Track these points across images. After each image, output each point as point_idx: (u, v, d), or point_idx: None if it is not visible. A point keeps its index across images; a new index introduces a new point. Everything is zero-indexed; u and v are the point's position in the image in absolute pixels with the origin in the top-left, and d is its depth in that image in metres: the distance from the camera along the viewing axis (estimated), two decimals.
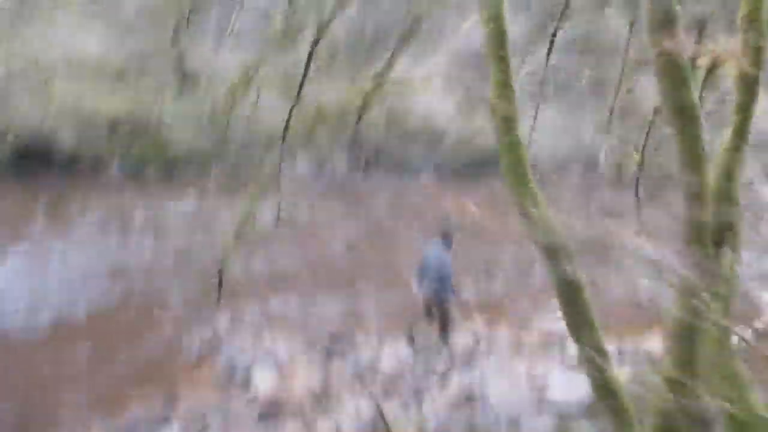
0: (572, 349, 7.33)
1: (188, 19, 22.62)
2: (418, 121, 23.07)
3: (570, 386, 6.17)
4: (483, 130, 23.79)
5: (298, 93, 5.95)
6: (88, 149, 19.77)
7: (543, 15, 25.92)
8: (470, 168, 24.13)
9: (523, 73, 24.23)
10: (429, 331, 7.84)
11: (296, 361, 7.19)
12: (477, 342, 7.75)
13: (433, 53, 24.13)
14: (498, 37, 3.54)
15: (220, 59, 22.66)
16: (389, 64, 23.59)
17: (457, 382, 6.72)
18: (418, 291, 7.73)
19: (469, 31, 24.29)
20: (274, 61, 22.83)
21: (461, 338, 7.82)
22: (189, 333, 7.93)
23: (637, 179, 6.31)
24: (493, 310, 8.94)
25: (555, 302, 8.86)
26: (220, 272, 4.99)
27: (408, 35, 23.62)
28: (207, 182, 20.06)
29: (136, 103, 21.05)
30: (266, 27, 24.23)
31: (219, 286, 5.00)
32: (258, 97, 21.44)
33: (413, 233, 12.27)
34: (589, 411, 5.86)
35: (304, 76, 5.97)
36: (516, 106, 3.58)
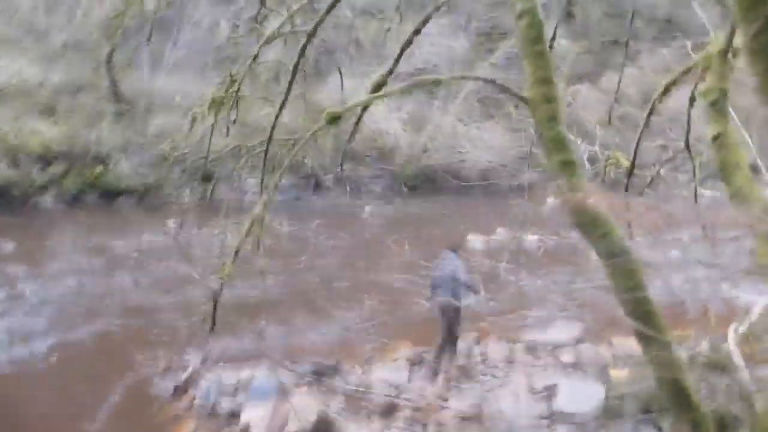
0: (574, 356, 7.25)
1: (117, 47, 21.85)
2: (367, 140, 22.99)
3: (579, 396, 6.01)
4: (431, 147, 24.09)
5: (277, 116, 5.60)
6: (20, 180, 18.72)
7: (483, 33, 26.69)
8: (421, 182, 24.31)
9: (465, 91, 24.72)
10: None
11: (287, 391, 6.75)
12: (478, 355, 7.56)
13: (374, 73, 24.22)
14: (534, 32, 3.38)
15: (158, 85, 22.02)
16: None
17: (461, 397, 6.46)
18: (431, 301, 7.59)
19: (414, 51, 24.63)
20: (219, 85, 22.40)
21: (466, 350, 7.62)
22: (170, 366, 7.41)
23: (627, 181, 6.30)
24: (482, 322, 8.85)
25: (540, 313, 8.90)
26: (215, 299, 4.56)
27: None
28: (165, 210, 19.37)
29: (70, 133, 20.08)
30: (205, 54, 23.81)
31: (213, 313, 4.57)
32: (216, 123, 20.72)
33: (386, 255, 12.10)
34: (602, 419, 5.71)
35: (286, 97, 5.63)
36: (558, 102, 3.40)
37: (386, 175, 24.09)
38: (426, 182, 23.52)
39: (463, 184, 21.10)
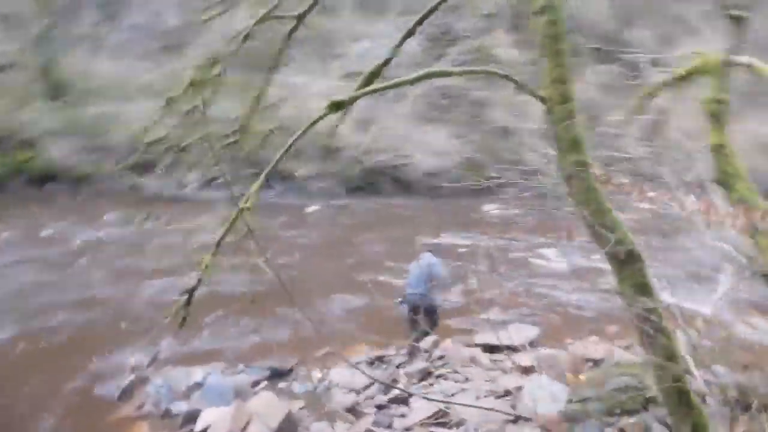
0: (532, 360, 7.29)
1: (53, 24, 20.67)
2: (312, 138, 22.64)
3: (543, 398, 6.02)
4: (376, 148, 23.99)
5: (255, 105, 5.35)
6: None
7: (433, 38, 26.85)
8: (365, 183, 24.15)
9: (414, 94, 24.79)
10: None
11: (245, 392, 6.48)
12: (437, 357, 7.50)
13: (326, 71, 23.94)
14: (555, 29, 3.33)
15: (97, 68, 20.96)
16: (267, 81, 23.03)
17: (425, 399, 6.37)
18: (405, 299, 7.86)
19: (362, 50, 24.51)
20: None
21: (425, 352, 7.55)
22: (115, 367, 6.99)
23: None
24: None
25: (494, 315, 8.92)
26: (191, 292, 4.27)
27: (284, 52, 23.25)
28: (100, 199, 18.42)
29: None
30: (151, 38, 22.87)
31: (186, 308, 4.29)
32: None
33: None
34: (566, 421, 5.75)
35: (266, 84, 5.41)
36: (574, 102, 3.36)
37: (330, 175, 23.83)
38: (370, 183, 23.42)
39: (431, 186, 21.17)
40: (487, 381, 6.96)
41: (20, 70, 19.51)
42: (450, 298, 8.32)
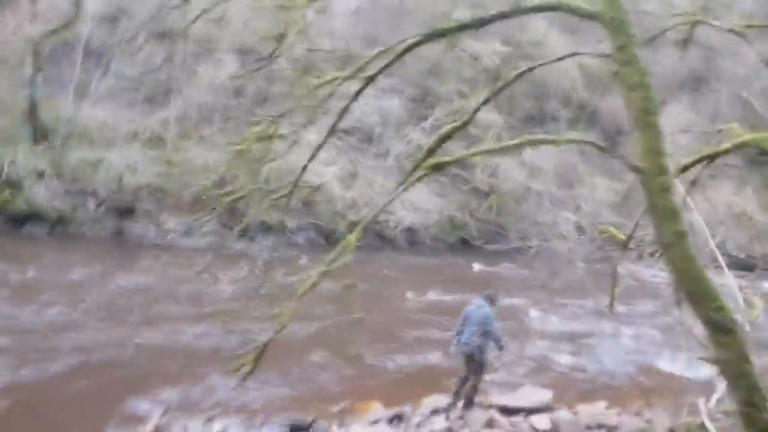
0: (549, 422, 7.33)
1: (40, 69, 20.58)
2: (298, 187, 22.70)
3: None
4: (360, 203, 24.19)
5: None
6: None
7: (414, 99, 27.64)
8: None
9: (398, 150, 25.29)
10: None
11: None
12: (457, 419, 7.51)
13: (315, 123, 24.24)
14: (648, 104, 3.54)
15: (83, 114, 20.86)
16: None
17: None
18: (455, 346, 7.78)
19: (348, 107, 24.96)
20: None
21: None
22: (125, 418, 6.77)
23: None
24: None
25: (505, 376, 8.96)
26: (265, 344, 4.27)
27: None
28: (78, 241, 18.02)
29: None
30: (137, 86, 22.96)
31: (258, 357, 4.27)
32: None
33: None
34: None
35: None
36: (671, 173, 3.55)
37: (312, 228, 23.84)
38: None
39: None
40: None
41: (7, 112, 19.27)
42: (495, 355, 8.29)
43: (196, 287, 13.46)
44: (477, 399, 7.84)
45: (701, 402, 7.67)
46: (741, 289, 6.93)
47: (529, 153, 24.77)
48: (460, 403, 7.81)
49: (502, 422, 7.58)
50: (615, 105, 26.86)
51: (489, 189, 25.98)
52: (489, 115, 26.23)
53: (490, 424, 7.47)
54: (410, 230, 24.25)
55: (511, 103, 27.35)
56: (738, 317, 3.48)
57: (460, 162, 4.17)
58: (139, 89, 22.34)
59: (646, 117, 3.52)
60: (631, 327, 13.78)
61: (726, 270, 6.79)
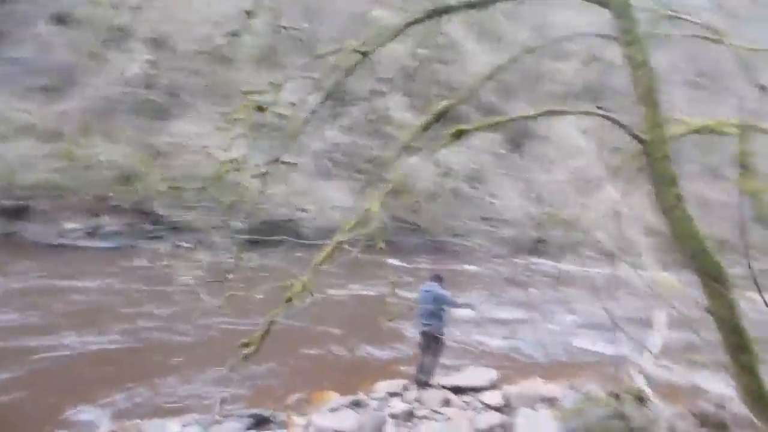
0: (500, 398, 7.61)
1: None
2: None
3: (537, 430, 6.36)
4: (277, 202, 23.83)
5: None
6: None
7: (334, 98, 27.54)
8: (263, 235, 23.65)
9: (312, 149, 25.13)
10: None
11: None
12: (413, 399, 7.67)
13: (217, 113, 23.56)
14: (652, 81, 3.80)
15: None
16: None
17: None
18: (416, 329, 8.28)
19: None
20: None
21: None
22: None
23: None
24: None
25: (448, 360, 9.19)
26: (263, 333, 4.17)
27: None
28: None
29: None
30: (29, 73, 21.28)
31: (264, 336, 4.18)
32: None
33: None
34: None
35: None
36: (669, 144, 3.82)
37: (226, 226, 23.14)
38: (267, 235, 23.08)
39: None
40: (467, 420, 7.17)
41: None
42: (467, 312, 8.75)
43: (107, 288, 12.82)
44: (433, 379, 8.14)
45: (635, 368, 8.28)
46: None
47: (442, 153, 25.36)
48: (414, 386, 8.04)
49: (456, 401, 7.80)
50: (521, 109, 28.20)
51: (405, 188, 26.42)
52: (405, 114, 26.72)
53: (446, 402, 7.67)
54: (326, 229, 24.15)
55: (426, 103, 27.95)
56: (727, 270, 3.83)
57: (483, 129, 4.28)
58: (37, 77, 20.75)
59: (651, 93, 3.80)
60: (553, 313, 14.60)
61: None
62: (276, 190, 23.49)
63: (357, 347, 10.57)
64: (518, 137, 28.08)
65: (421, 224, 24.99)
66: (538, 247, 23.86)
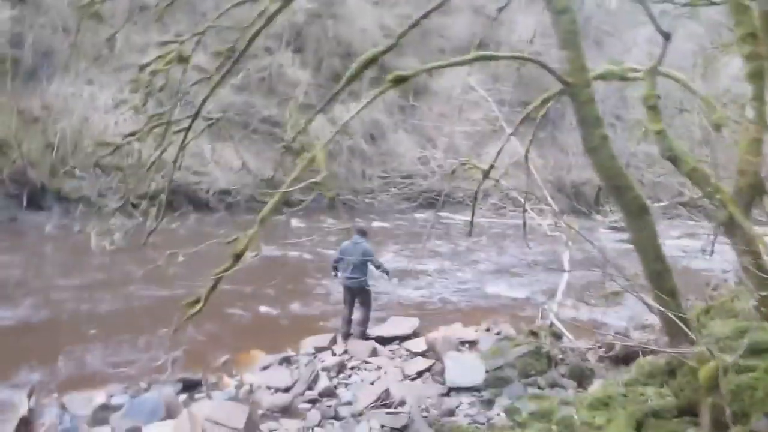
0: (424, 345, 7.92)
1: None
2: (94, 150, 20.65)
3: (466, 371, 6.70)
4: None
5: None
6: None
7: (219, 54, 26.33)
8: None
9: (206, 110, 24.11)
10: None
11: (177, 405, 6.02)
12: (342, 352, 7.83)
13: (112, 82, 22.03)
14: (574, 26, 3.96)
15: None
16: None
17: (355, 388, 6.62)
18: (339, 277, 8.49)
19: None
20: None
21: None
22: None
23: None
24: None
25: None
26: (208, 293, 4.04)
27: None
28: None
29: None
30: None
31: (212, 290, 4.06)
32: None
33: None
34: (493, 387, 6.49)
35: None
36: (592, 87, 4.03)
37: (116, 191, 21.88)
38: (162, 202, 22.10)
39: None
40: (396, 367, 7.42)
41: None
42: (386, 283, 8.96)
43: None
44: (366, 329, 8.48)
45: (546, 308, 8.89)
46: None
47: (338, 110, 25.26)
48: (342, 340, 8.22)
49: (383, 351, 8.03)
50: (412, 65, 28.43)
51: (301, 146, 26.07)
52: (297, 72, 26.20)
53: (373, 353, 7.87)
54: (225, 192, 23.55)
55: (318, 62, 27.55)
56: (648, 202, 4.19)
57: (419, 75, 4.28)
58: None
59: (573, 37, 4.00)
60: (464, 262, 15.24)
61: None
62: (169, 155, 22.48)
63: (278, 307, 10.55)
64: (413, 94, 28.40)
65: (324, 183, 24.85)
66: (440, 200, 24.56)
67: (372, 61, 4.87)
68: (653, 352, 6.02)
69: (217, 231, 19.42)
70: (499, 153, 7.27)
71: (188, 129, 5.73)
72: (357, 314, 8.49)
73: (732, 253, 4.39)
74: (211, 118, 6.02)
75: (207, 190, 23.35)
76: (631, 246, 4.26)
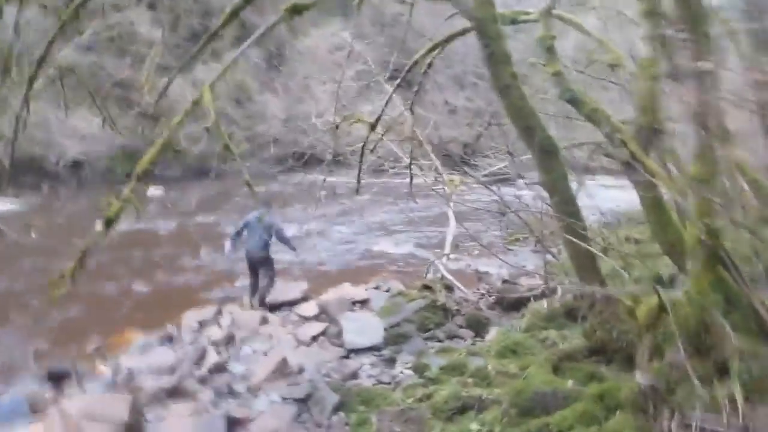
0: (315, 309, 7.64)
1: None
2: None
3: (365, 330, 6.50)
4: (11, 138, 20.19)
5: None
6: None
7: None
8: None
9: (47, 74, 21.61)
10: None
11: (43, 402, 5.25)
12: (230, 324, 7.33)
13: None
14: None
15: None
16: None
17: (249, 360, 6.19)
18: (230, 252, 8.35)
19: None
20: None
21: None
22: None
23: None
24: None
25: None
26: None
27: None
28: None
29: None
30: None
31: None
32: None
33: None
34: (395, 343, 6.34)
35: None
36: (499, 22, 3.81)
37: None
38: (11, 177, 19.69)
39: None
40: (289, 334, 7.05)
41: None
42: (292, 255, 8.98)
43: None
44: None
45: (437, 262, 8.90)
46: None
47: (200, 72, 23.71)
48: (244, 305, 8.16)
49: (273, 318, 7.62)
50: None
51: (158, 112, 24.27)
52: (152, 31, 24.24)
53: (263, 321, 7.44)
54: (77, 164, 21.46)
55: (174, 21, 25.65)
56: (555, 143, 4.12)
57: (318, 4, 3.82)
58: None
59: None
60: (336, 224, 14.96)
61: None
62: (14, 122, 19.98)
63: (152, 282, 9.74)
64: (276, 55, 27.42)
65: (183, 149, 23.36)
66: (310, 162, 24.08)
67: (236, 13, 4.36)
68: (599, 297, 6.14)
69: (67, 206, 17.75)
70: (387, 103, 7.05)
71: (31, 80, 4.88)
72: (260, 283, 8.29)
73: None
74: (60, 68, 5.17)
75: (57, 162, 21.16)
76: None
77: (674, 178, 4.20)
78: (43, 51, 4.16)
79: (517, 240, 8.55)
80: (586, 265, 3.95)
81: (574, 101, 4.39)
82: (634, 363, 3.37)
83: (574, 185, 4.17)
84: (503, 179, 10.00)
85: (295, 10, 3.60)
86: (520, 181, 7.51)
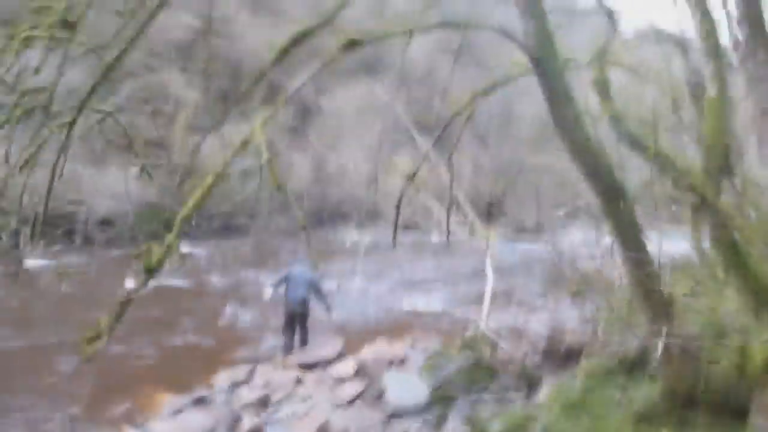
0: (354, 366, 7.30)
1: None
2: None
3: (408, 390, 6.15)
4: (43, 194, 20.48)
5: None
6: None
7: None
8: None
9: (81, 131, 22.15)
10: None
11: None
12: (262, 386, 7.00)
13: None
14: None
15: None
16: None
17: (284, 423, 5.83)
18: (272, 296, 8.31)
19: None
20: None
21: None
22: None
23: None
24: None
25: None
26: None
27: None
28: None
29: None
30: None
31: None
32: None
33: None
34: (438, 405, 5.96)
35: None
36: (561, 60, 3.63)
37: None
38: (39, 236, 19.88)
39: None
40: (327, 394, 6.71)
41: None
42: (327, 313, 8.63)
43: None
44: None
45: (476, 318, 8.53)
46: None
47: (228, 132, 24.01)
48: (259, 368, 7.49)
49: (308, 378, 7.29)
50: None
51: (188, 169, 24.58)
52: (187, 92, 24.91)
53: (299, 381, 7.11)
54: (106, 222, 21.61)
55: (207, 82, 26.32)
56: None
57: (373, 41, 3.69)
58: None
59: (537, 4, 3.59)
60: (369, 281, 14.67)
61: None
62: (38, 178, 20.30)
63: (182, 340, 9.49)
64: (302, 111, 27.86)
65: (216, 208, 23.54)
66: (337, 218, 24.04)
67: (305, 35, 4.26)
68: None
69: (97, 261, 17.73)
70: (424, 158, 6.88)
71: (71, 124, 4.78)
72: (295, 337, 8.32)
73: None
74: (101, 111, 5.07)
75: (85, 221, 21.38)
76: None
77: (748, 223, 3.93)
78: (87, 92, 4.05)
79: (578, 292, 8.17)
80: (657, 311, 3.63)
81: (636, 145, 4.17)
82: (728, 412, 3.03)
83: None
84: (531, 232, 9.74)
85: (351, 45, 3.47)
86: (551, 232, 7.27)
